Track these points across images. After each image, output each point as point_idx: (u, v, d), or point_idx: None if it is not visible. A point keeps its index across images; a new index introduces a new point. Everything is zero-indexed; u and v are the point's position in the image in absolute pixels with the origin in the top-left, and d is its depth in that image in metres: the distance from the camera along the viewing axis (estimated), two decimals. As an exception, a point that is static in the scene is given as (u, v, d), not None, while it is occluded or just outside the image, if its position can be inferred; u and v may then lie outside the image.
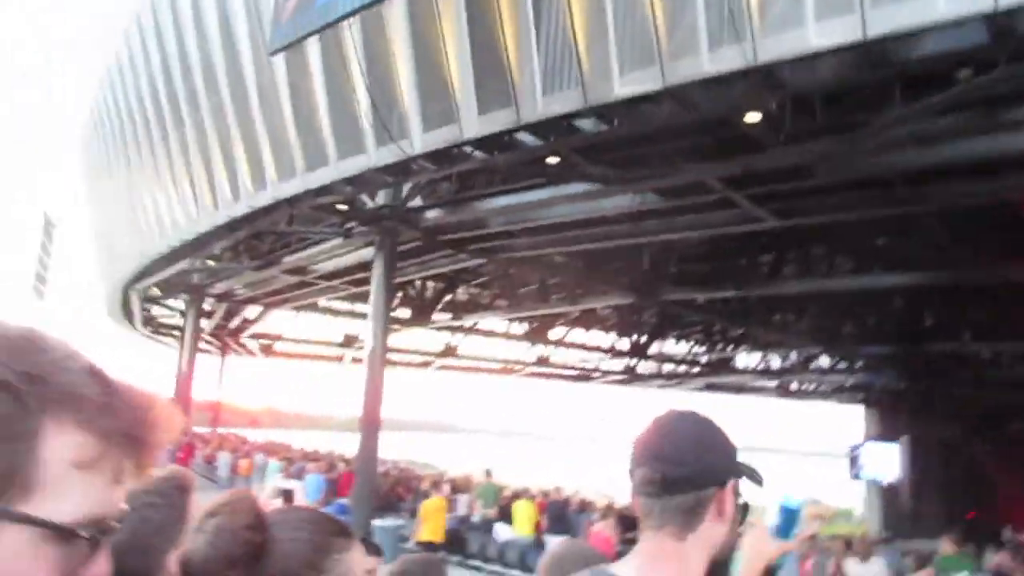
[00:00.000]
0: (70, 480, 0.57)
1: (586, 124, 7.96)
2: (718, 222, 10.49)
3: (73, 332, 0.63)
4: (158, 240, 16.46)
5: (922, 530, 17.29)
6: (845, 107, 7.17)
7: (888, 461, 25.09)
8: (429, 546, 10.37)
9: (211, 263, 18.54)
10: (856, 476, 26.43)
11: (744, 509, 1.29)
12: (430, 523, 10.90)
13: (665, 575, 1.21)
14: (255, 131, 11.73)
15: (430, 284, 20.39)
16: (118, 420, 0.59)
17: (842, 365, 24.52)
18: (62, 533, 0.56)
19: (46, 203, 24.53)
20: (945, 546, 9.55)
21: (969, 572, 9.12)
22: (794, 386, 31.18)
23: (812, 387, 31.35)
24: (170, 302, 25.41)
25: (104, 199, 21.11)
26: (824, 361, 24.81)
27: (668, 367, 29.90)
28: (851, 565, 9.34)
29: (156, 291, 22.63)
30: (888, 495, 25.18)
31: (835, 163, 7.96)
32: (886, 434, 25.78)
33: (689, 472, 1.22)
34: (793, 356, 25.20)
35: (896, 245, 13.08)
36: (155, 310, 26.63)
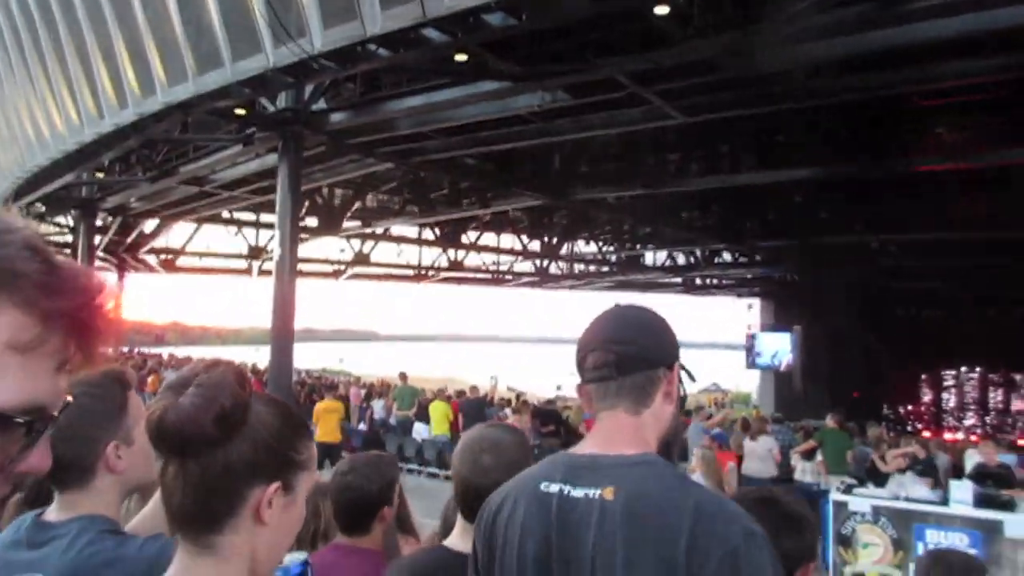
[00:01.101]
0: (6, 363, 0.52)
1: (494, 19, 7.69)
2: (628, 120, 10.50)
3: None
4: (38, 153, 15.29)
5: (812, 411, 18.72)
6: (752, -1, 7.18)
7: (781, 349, 26.72)
8: (325, 446, 10.57)
9: (100, 175, 17.43)
10: (752, 364, 28.11)
11: (684, 399, 1.34)
12: (322, 424, 11.09)
13: (623, 445, 1.23)
14: (138, 30, 10.83)
15: (338, 191, 19.88)
16: (60, 301, 0.55)
17: (743, 259, 25.54)
18: None
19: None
20: (829, 422, 10.48)
21: (847, 444, 10.04)
22: (699, 281, 32.39)
23: (715, 282, 32.66)
24: (60, 219, 23.95)
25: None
26: (727, 256, 25.78)
27: (579, 267, 30.48)
28: (746, 442, 10.10)
29: (41, 207, 21.21)
30: (781, 380, 26.93)
31: (741, 58, 8.01)
32: (780, 324, 27.34)
33: (641, 351, 1.26)
34: (698, 252, 26.05)
35: (797, 139, 13.47)
36: (42, 228, 25.04)
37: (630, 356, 1.26)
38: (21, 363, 0.53)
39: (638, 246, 26.10)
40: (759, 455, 9.81)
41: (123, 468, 1.33)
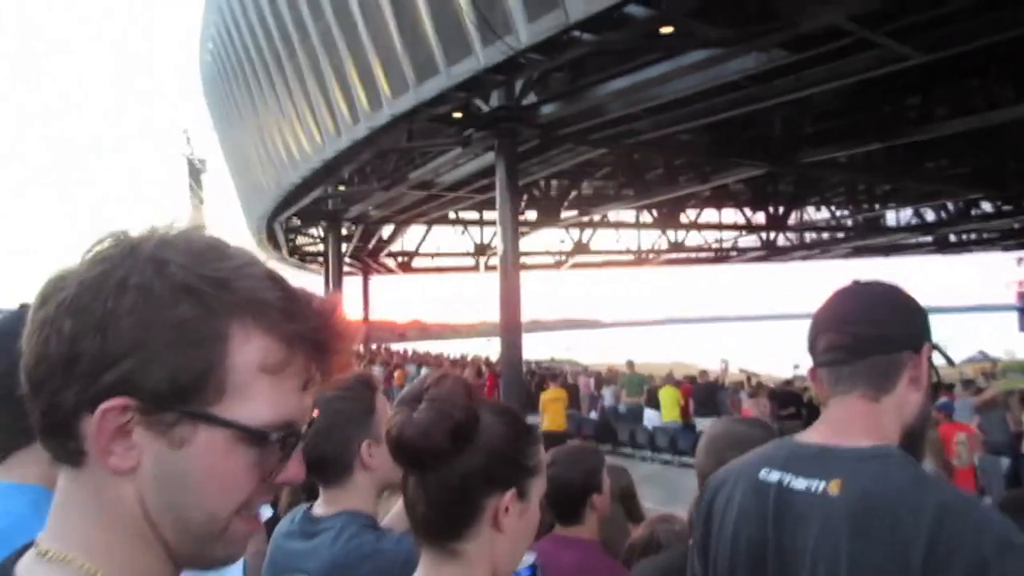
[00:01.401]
0: (258, 384, 0.58)
1: (698, -17, 7.42)
2: (856, 69, 9.62)
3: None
4: (291, 172, 17.19)
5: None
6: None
7: (1067, 308, 23.27)
8: (551, 435, 10.70)
9: (342, 188, 19.20)
10: (1029, 327, 24.74)
11: (938, 386, 1.19)
12: (548, 413, 11.23)
13: (856, 435, 1.11)
14: (364, 49, 11.79)
15: (554, 182, 20.26)
16: (300, 325, 0.60)
17: (1008, 208, 22.51)
18: (254, 435, 0.58)
19: (191, 148, 25.90)
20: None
21: None
22: (953, 238, 29.01)
23: (974, 237, 29.05)
24: (311, 230, 26.74)
25: (237, 138, 22.16)
26: (987, 206, 22.87)
27: (810, 236, 28.60)
28: None
29: (296, 221, 23.81)
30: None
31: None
32: (1063, 279, 23.78)
33: (882, 332, 1.14)
34: (950, 206, 23.37)
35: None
36: (299, 240, 28.14)
37: (868, 337, 1.13)
38: (272, 384, 0.59)
39: (877, 206, 23.93)
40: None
41: (377, 465, 1.42)
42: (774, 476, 1.14)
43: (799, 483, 1.11)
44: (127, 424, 0.56)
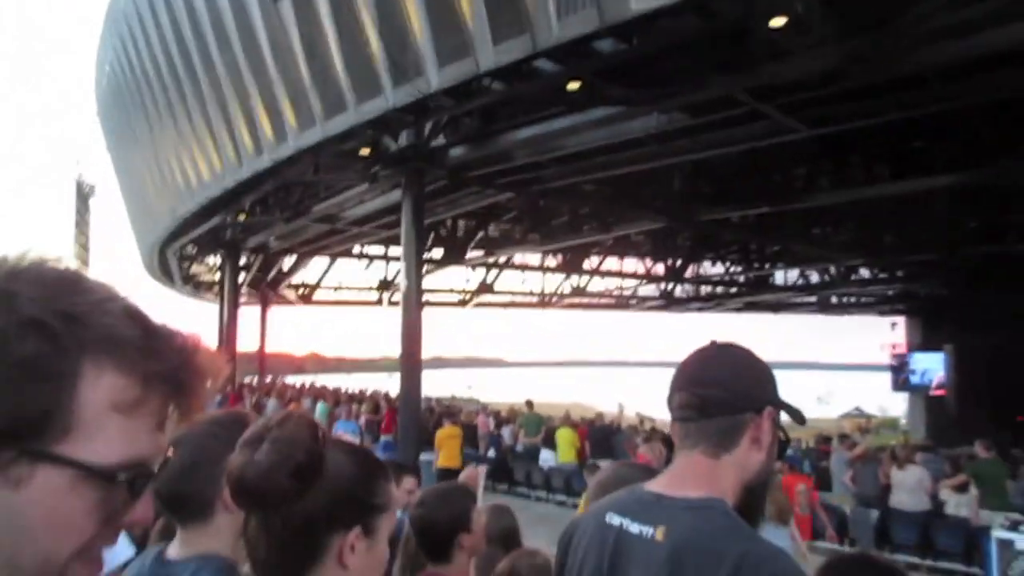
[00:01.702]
0: (109, 423, 0.56)
1: (604, 45, 7.69)
2: (748, 136, 10.18)
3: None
4: (188, 200, 16.60)
5: (968, 437, 17.16)
6: (875, 1, 6.80)
7: (932, 370, 24.89)
8: (447, 472, 10.67)
9: (243, 218, 18.68)
10: (900, 387, 26.32)
11: (783, 445, 1.26)
12: (445, 450, 11.19)
13: (693, 488, 1.19)
14: (271, 82, 11.60)
15: (461, 223, 20.35)
16: (159, 363, 0.58)
17: (883, 275, 24.08)
18: (99, 475, 0.56)
19: (80, 171, 24.77)
20: (978, 450, 9.51)
21: (1003, 474, 9.07)
22: (834, 300, 30.78)
23: (853, 300, 30.92)
24: (207, 259, 25.81)
25: (132, 162, 21.27)
26: (865, 272, 24.38)
27: (705, 289, 29.71)
28: (893, 472, 9.39)
29: (192, 249, 22.95)
30: (933, 404, 25.04)
31: (868, 64, 7.60)
32: (930, 343, 25.50)
33: (725, 395, 1.21)
34: (832, 270, 24.80)
35: (935, 147, 12.61)
36: (193, 267, 27.09)
37: (713, 399, 1.20)
38: (123, 423, 0.57)
39: (767, 265, 25.17)
40: (908, 487, 9.09)
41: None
42: (616, 520, 1.23)
43: (634, 527, 1.19)
44: None
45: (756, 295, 28.72)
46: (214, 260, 25.17)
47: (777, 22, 6.74)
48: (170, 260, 23.68)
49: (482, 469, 4.01)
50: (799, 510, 7.08)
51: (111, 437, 0.56)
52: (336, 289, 28.78)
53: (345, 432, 11.92)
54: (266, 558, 0.95)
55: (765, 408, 1.21)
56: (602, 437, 13.53)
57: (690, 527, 1.13)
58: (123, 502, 0.58)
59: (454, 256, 20.95)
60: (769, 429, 1.21)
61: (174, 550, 1.36)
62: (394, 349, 12.42)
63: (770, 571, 1.05)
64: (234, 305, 22.12)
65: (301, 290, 28.52)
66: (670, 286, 28.53)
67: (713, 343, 1.30)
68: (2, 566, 0.54)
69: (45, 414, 0.54)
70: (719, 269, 26.71)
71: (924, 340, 26.25)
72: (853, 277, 24.64)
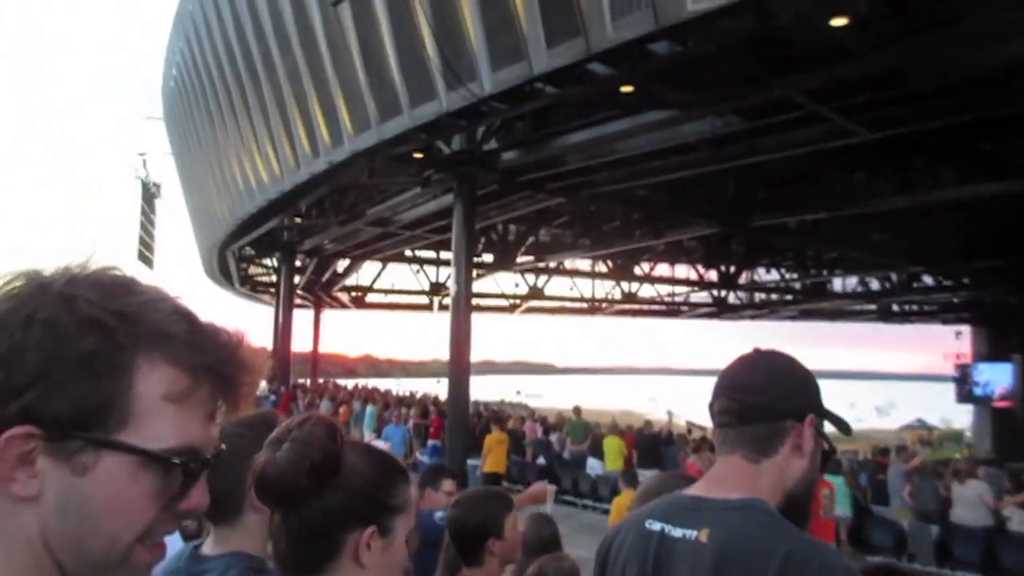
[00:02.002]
0: (163, 412, 0.61)
1: (659, 48, 7.62)
2: (806, 140, 9.98)
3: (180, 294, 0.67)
4: (247, 202, 17.01)
5: (1037, 451, 16.51)
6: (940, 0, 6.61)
7: (999, 381, 24.01)
8: (492, 477, 10.75)
9: (299, 220, 19.04)
10: (964, 398, 25.45)
11: (828, 454, 1.26)
12: (492, 456, 11.24)
13: (730, 488, 1.20)
14: (329, 86, 11.83)
15: (512, 227, 20.39)
16: (206, 356, 0.63)
17: (947, 283, 23.31)
18: (157, 461, 0.61)
19: (146, 172, 25.45)
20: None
21: None
22: (895, 308, 29.91)
23: (915, 308, 30.00)
24: (264, 260, 26.39)
25: (194, 164, 21.90)
26: (928, 280, 23.65)
27: (760, 296, 29.20)
28: (954, 486, 9.12)
29: (250, 250, 23.50)
30: (999, 416, 24.15)
31: (932, 64, 7.39)
32: (997, 353, 24.61)
33: (765, 401, 1.22)
34: (894, 277, 24.11)
35: (1002, 149, 12.18)
36: (251, 269, 27.73)
37: (754, 405, 1.22)
38: (176, 412, 0.62)
39: (824, 272, 24.62)
40: (969, 501, 8.79)
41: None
42: (656, 525, 1.24)
43: (676, 532, 1.20)
44: (31, 452, 0.58)
45: (812, 303, 28.10)
46: (271, 262, 25.73)
47: (838, 21, 6.59)
48: (229, 261, 24.28)
49: (551, 488, 4.04)
50: (822, 514, 7.22)
51: (165, 426, 0.61)
52: (388, 293, 29.16)
53: (394, 437, 12.04)
54: (286, 554, 1.02)
55: (807, 415, 1.22)
56: (650, 446, 13.39)
57: (733, 527, 1.14)
58: (180, 487, 0.63)
59: (504, 261, 21.01)
60: (811, 437, 1.22)
61: (208, 547, 1.42)
62: (444, 353, 12.51)
63: (818, 565, 1.06)
64: (289, 307, 22.57)
65: (354, 293, 28.98)
66: (723, 293, 28.12)
67: (756, 350, 1.31)
68: (73, 549, 0.59)
69: (105, 405, 0.59)
70: (774, 276, 26.21)
71: (990, 350, 25.33)
72: (915, 284, 23.92)
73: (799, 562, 1.06)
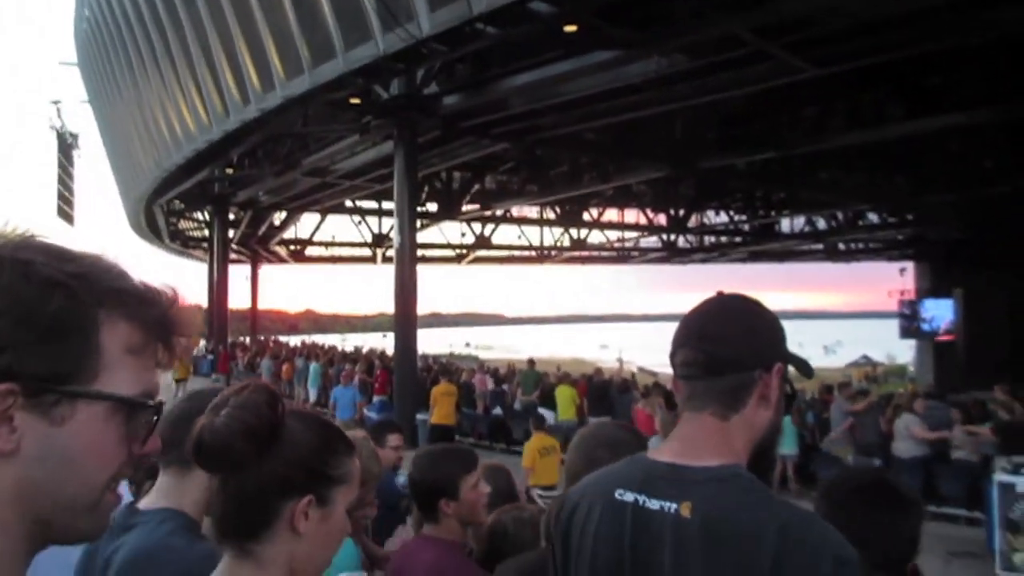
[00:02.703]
0: (125, 364, 0.68)
1: (603, -16, 7.58)
2: (754, 78, 10.08)
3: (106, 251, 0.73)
4: (174, 152, 16.51)
5: (977, 384, 17.28)
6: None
7: (942, 316, 25.01)
8: (440, 429, 10.90)
9: (231, 171, 18.59)
10: (909, 334, 26.47)
11: (791, 398, 1.24)
12: (439, 408, 11.33)
13: (706, 453, 1.16)
14: (256, 28, 11.46)
15: (456, 175, 20.26)
16: (155, 311, 0.70)
17: (892, 220, 24.05)
18: (129, 405, 0.68)
19: (61, 121, 24.06)
20: (998, 395, 9.62)
21: None
22: (841, 246, 30.80)
23: (861, 246, 30.93)
24: (196, 214, 25.76)
25: (114, 113, 21.08)
26: (873, 217, 24.34)
27: (709, 239, 29.71)
28: (895, 421, 9.56)
29: (180, 204, 22.90)
30: (942, 350, 25.19)
31: None
32: (940, 288, 25.57)
33: (734, 352, 1.18)
34: (840, 215, 24.76)
35: (950, 84, 12.49)
36: (181, 224, 27.05)
37: (720, 356, 1.18)
38: (135, 362, 0.69)
39: (773, 213, 25.15)
40: (900, 434, 9.30)
41: None
42: (629, 496, 1.18)
43: (653, 504, 1.15)
44: (9, 409, 0.62)
45: (761, 244, 28.74)
46: (203, 216, 25.13)
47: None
48: (157, 216, 23.64)
49: None
50: None
51: (128, 375, 0.68)
52: (328, 245, 28.78)
53: (342, 399, 12.00)
54: (222, 518, 1.04)
55: (775, 364, 1.19)
56: (601, 394, 13.57)
57: (718, 501, 1.10)
58: (145, 429, 0.70)
59: (449, 210, 20.92)
60: (778, 385, 1.19)
61: (146, 501, 1.48)
62: (389, 306, 12.50)
63: (813, 541, 1.05)
64: (224, 262, 22.16)
65: (292, 246, 28.54)
66: (672, 237, 28.53)
67: (719, 295, 1.26)
68: (52, 497, 0.65)
69: (78, 360, 0.65)
70: (723, 218, 26.68)
71: (934, 286, 26.29)
72: (861, 223, 24.63)
73: (794, 538, 1.04)
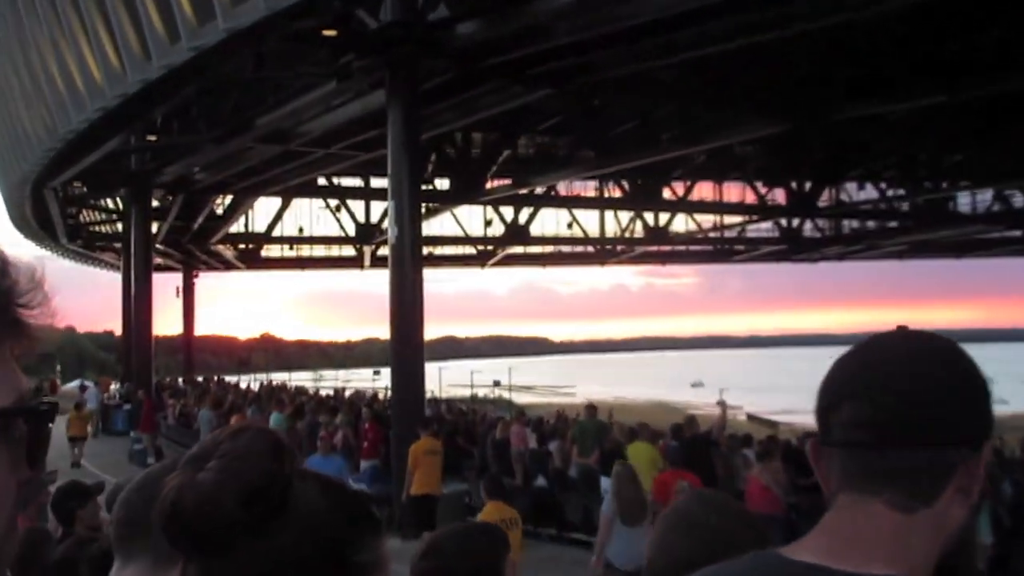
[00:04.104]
0: None
1: None
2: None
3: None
4: (73, 113, 16.76)
5: None
6: None
7: None
8: (422, 501, 11.08)
9: (153, 139, 18.84)
10: None
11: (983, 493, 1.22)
12: (421, 472, 11.35)
13: (874, 559, 1.12)
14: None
15: (476, 137, 20.33)
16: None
17: None
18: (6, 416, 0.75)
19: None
20: None
21: None
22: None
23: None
24: (104, 202, 26.11)
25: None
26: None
27: (850, 224, 29.45)
28: None
29: (81, 187, 23.23)
30: None
31: None
32: None
33: (934, 418, 1.14)
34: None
35: None
36: (84, 215, 27.43)
37: (913, 421, 1.14)
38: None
39: (944, 185, 24.86)
40: None
41: None
42: None
43: None
44: None
45: (928, 231, 28.42)
46: (114, 204, 25.49)
47: None
48: (50, 204, 23.97)
49: None
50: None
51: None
52: (294, 242, 28.98)
53: (324, 471, 12.13)
54: None
55: (984, 442, 1.16)
56: (696, 453, 13.51)
57: None
58: (22, 441, 0.77)
59: (468, 188, 20.96)
60: (982, 474, 1.15)
61: None
62: (383, 329, 12.59)
63: None
64: (145, 269, 22.38)
65: (242, 245, 28.84)
66: (795, 222, 28.31)
67: (902, 330, 1.24)
68: None
69: None
70: (869, 194, 26.44)
71: None
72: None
73: None
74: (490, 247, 29.13)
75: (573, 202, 27.61)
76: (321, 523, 1.00)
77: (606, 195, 26.72)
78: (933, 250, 33.04)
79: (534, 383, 71.79)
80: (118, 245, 25.93)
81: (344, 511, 1.04)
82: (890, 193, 26.31)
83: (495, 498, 7.71)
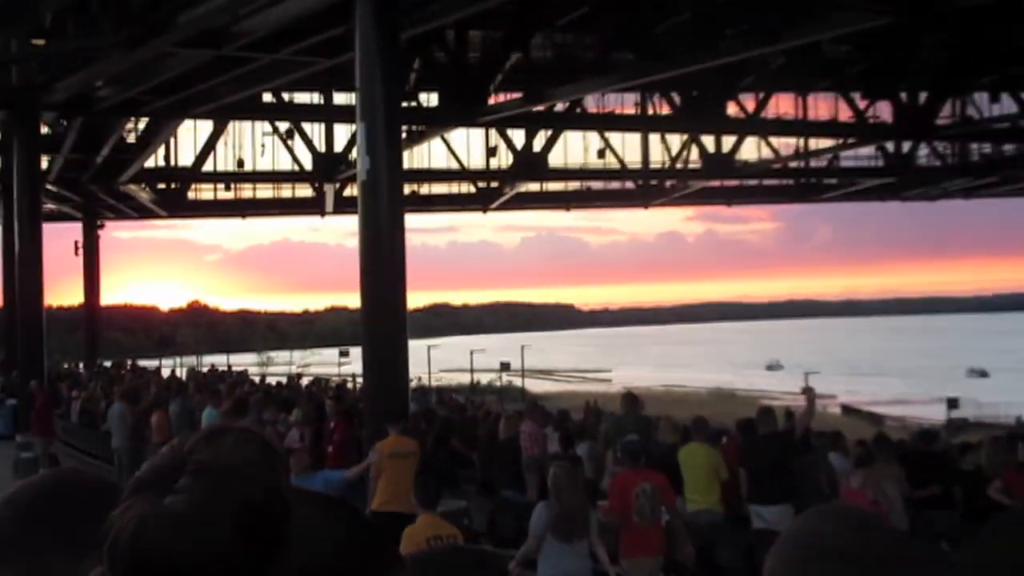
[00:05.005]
0: None
1: None
2: None
3: None
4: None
5: None
6: None
7: None
8: (390, 520, 10.85)
9: (40, 43, 18.85)
10: None
11: None
12: (387, 480, 11.42)
13: None
14: None
15: (475, 36, 20.29)
16: None
17: None
18: None
19: None
20: None
21: None
22: None
23: None
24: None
25: None
26: None
27: (979, 149, 29.40)
28: None
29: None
30: None
31: None
32: None
33: None
34: None
35: None
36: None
37: None
38: None
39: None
40: None
41: None
42: None
43: None
44: None
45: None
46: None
47: None
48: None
49: None
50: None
51: None
52: (232, 180, 29.02)
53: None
54: None
55: None
56: (774, 458, 13.50)
57: None
58: None
59: (463, 105, 20.96)
60: None
61: None
62: (352, 296, 12.64)
63: None
64: (32, 216, 22.45)
65: (162, 186, 28.88)
66: (904, 146, 28.27)
67: None
68: None
69: None
70: (1006, 107, 26.35)
71: None
72: None
73: None
74: (495, 184, 29.13)
75: (606, 122, 27.51)
76: (329, 556, 0.99)
77: (650, 112, 26.67)
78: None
79: (555, 366, 72.49)
80: (-2, 187, 25.98)
81: (355, 538, 1.04)
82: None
83: (428, 508, 7.76)
